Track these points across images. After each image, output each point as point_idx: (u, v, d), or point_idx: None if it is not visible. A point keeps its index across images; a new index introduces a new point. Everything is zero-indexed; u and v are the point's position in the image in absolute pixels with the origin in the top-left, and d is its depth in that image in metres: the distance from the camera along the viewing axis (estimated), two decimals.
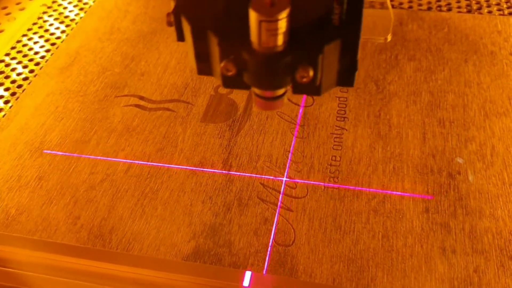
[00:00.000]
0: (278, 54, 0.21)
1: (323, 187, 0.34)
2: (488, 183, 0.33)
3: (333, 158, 0.35)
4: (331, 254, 0.30)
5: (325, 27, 0.22)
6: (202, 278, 0.29)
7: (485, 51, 0.43)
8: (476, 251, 0.30)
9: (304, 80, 0.22)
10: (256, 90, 0.23)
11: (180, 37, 0.24)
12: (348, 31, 0.22)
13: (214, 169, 0.35)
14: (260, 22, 0.20)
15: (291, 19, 0.20)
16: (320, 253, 0.30)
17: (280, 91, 0.23)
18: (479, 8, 0.48)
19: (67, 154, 0.37)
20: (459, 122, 0.37)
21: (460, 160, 0.35)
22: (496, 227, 0.31)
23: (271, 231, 0.31)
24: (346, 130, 0.37)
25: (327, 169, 0.35)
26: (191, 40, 0.23)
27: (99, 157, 0.37)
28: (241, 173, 0.35)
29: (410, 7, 0.48)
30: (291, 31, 0.21)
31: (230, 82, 0.23)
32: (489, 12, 0.47)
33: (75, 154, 0.37)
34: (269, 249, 0.30)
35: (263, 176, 0.34)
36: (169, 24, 0.24)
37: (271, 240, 0.31)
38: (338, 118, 0.38)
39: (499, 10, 0.48)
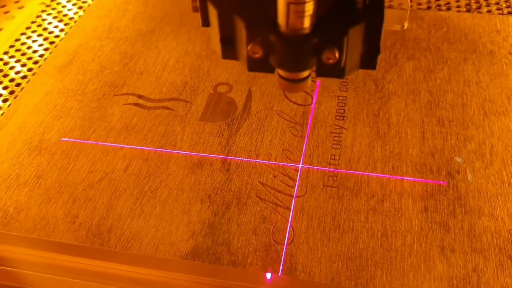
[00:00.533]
0: (305, 36, 0.22)
1: (322, 186, 0.34)
2: (487, 182, 0.33)
3: (332, 157, 0.35)
4: (330, 253, 0.30)
5: (350, 11, 0.22)
6: (201, 277, 0.29)
7: (484, 50, 0.43)
8: (475, 250, 0.30)
9: (331, 61, 0.22)
10: (281, 72, 0.24)
11: (205, 23, 0.25)
12: (372, 15, 0.22)
13: (213, 168, 0.35)
14: (288, 4, 0.21)
15: (318, 2, 0.21)
16: (319, 252, 0.30)
17: (305, 73, 0.24)
18: (478, 8, 0.48)
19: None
20: (458, 121, 0.37)
21: (459, 160, 0.35)
22: (495, 226, 0.31)
23: (270, 230, 0.31)
24: (345, 129, 0.37)
25: (326, 168, 0.35)
26: (217, 24, 0.23)
27: (97, 155, 0.36)
28: (240, 172, 0.35)
29: (410, 6, 0.48)
30: (317, 14, 0.21)
31: (255, 65, 0.23)
32: (488, 11, 0.47)
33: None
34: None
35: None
36: (195, 9, 0.24)
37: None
38: (337, 117, 0.38)
39: (498, 9, 0.48)
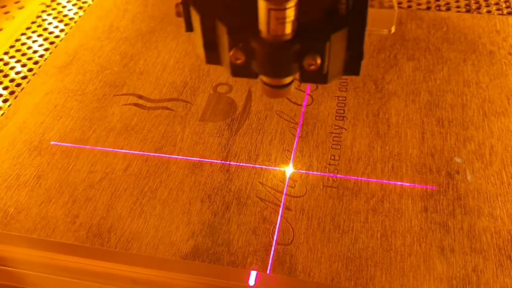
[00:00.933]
0: (286, 42, 0.21)
1: (321, 186, 0.34)
2: (486, 183, 0.33)
3: (332, 157, 0.35)
4: (330, 253, 0.30)
5: (332, 16, 0.22)
6: (201, 277, 0.29)
7: (484, 51, 0.43)
8: (475, 251, 0.30)
9: (312, 67, 0.22)
10: (264, 78, 0.24)
11: (189, 27, 0.25)
12: (354, 21, 0.22)
13: (213, 168, 0.35)
14: (269, 11, 0.20)
15: (299, 9, 0.21)
16: (319, 252, 0.30)
17: (288, 79, 0.24)
18: (478, 8, 0.48)
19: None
20: (458, 122, 0.37)
21: (458, 160, 0.35)
22: (494, 226, 0.31)
23: (270, 230, 0.31)
24: (345, 129, 0.37)
25: (326, 168, 0.35)
26: (200, 29, 0.23)
27: (98, 155, 0.36)
28: (240, 172, 0.35)
29: (409, 6, 0.48)
30: (299, 21, 0.21)
31: (238, 71, 0.23)
32: (488, 11, 0.47)
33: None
34: (272, 248, 0.30)
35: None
36: (178, 14, 0.24)
37: (274, 239, 0.31)
38: (337, 118, 0.38)
39: (498, 9, 0.48)
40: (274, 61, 0.22)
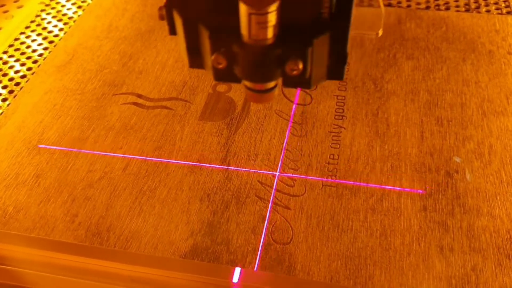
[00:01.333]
0: (268, 47, 0.21)
1: (321, 185, 0.34)
2: (485, 182, 0.33)
3: (331, 156, 0.35)
4: (329, 252, 0.30)
5: (314, 21, 0.22)
6: (200, 276, 0.29)
7: (483, 50, 0.43)
8: (474, 250, 0.30)
9: (294, 72, 0.22)
10: (246, 82, 0.23)
11: (172, 31, 0.24)
12: (338, 25, 0.22)
13: (212, 167, 0.35)
14: (250, 15, 0.20)
15: (281, 12, 0.20)
16: (318, 251, 0.30)
17: (271, 84, 0.23)
18: (477, 7, 0.48)
19: (63, 148, 0.37)
20: (457, 121, 0.37)
21: (457, 159, 0.35)
22: (493, 225, 0.31)
23: (268, 229, 0.31)
24: (344, 128, 0.37)
25: (325, 168, 0.35)
26: (183, 33, 0.23)
27: (97, 154, 0.36)
28: (240, 171, 0.35)
29: (409, 5, 0.48)
30: (281, 25, 0.21)
31: (221, 75, 0.23)
32: (487, 11, 0.47)
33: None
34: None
35: (261, 171, 0.35)
36: (161, 18, 0.24)
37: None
38: (336, 117, 0.38)
39: (497, 9, 0.48)
40: (256, 66, 0.22)
